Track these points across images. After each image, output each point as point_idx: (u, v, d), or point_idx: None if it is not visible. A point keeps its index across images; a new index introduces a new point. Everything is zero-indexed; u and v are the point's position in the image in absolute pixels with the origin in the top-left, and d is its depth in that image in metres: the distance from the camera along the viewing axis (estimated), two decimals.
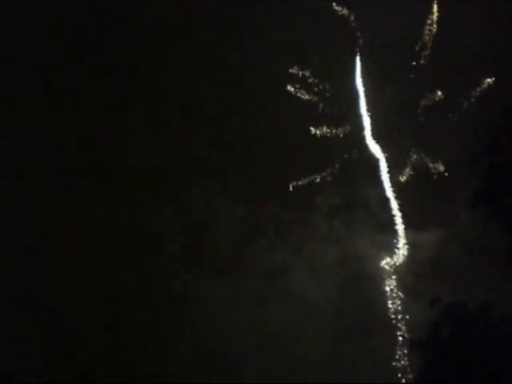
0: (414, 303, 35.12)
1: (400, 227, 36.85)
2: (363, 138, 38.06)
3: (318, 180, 37.22)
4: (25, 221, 34.53)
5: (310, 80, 37.58)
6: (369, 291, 35.75)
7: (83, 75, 36.46)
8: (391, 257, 36.50)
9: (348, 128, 37.86)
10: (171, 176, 36.20)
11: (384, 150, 37.94)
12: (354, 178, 37.44)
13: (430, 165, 37.15)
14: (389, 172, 37.68)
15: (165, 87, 37.06)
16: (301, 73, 37.48)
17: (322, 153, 37.18)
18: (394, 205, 37.25)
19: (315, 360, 33.51)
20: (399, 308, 35.49)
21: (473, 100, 37.13)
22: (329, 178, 37.29)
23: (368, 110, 38.04)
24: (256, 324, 34.30)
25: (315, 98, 37.63)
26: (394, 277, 36.15)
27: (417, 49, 37.52)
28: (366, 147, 38.01)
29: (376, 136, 38.02)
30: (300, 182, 37.00)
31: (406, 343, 34.60)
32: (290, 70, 37.35)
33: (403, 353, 34.62)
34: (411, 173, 37.48)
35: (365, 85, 38.13)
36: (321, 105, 37.56)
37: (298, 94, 37.56)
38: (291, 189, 36.88)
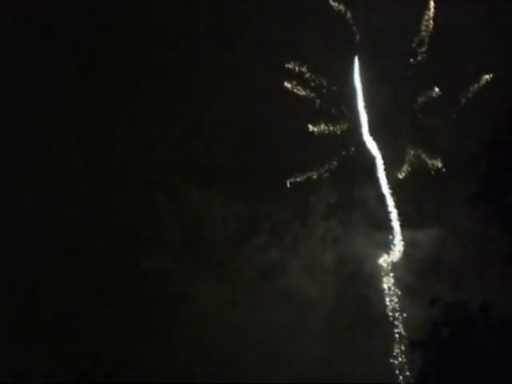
0: (411, 301, 35.13)
1: (396, 224, 36.80)
2: (360, 135, 37.93)
3: (314, 177, 37.11)
4: (22, 222, 34.40)
5: (307, 77, 37.43)
6: (366, 289, 35.73)
7: (80, 75, 36.44)
8: (388, 254, 36.43)
9: (345, 125, 37.72)
10: (168, 174, 36.03)
11: (382, 146, 37.85)
12: (351, 175, 37.33)
13: (428, 161, 37.06)
14: (386, 169, 37.59)
15: (160, 86, 36.92)
16: (297, 68, 37.32)
17: (319, 150, 37.05)
18: (392, 202, 37.17)
19: (312, 359, 33.44)
20: (397, 306, 35.44)
21: (470, 96, 37.02)
22: (326, 175, 37.19)
23: (365, 107, 37.91)
24: (253, 323, 34.25)
25: (312, 95, 37.48)
26: (391, 274, 36.12)
27: (414, 45, 37.36)
28: (363, 144, 37.89)
29: (373, 133, 37.90)
30: (297, 179, 36.91)
31: (404, 341, 34.60)
32: (287, 65, 37.19)
33: (401, 350, 34.61)
34: (409, 169, 37.39)
35: (362, 81, 38.00)
36: (318, 101, 37.42)
37: (295, 90, 37.41)
38: (288, 185, 36.83)
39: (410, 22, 37.04)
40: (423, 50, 37.28)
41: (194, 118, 36.91)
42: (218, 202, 36.43)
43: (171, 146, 36.47)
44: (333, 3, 37.53)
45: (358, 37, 37.55)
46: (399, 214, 36.85)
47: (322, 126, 37.21)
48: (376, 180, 37.50)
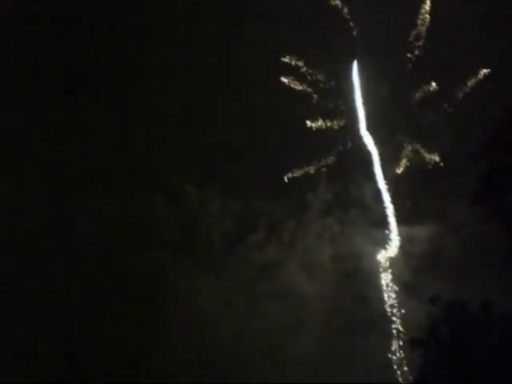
0: (410, 297, 35.11)
1: (393, 219, 36.79)
2: (358, 130, 37.83)
3: (312, 172, 37.04)
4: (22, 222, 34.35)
5: (304, 72, 37.28)
6: (363, 285, 35.72)
7: (80, 74, 36.32)
8: (386, 250, 36.41)
9: (343, 120, 37.61)
10: (163, 172, 35.92)
11: (379, 141, 37.75)
12: (348, 170, 37.26)
13: (426, 155, 37.00)
14: (384, 164, 37.54)
15: (159, 85, 36.77)
16: (294, 63, 37.17)
17: (316, 145, 36.93)
18: (389, 197, 37.13)
19: (311, 357, 33.43)
20: (395, 302, 35.44)
21: (468, 91, 36.93)
22: (323, 170, 37.11)
23: (363, 102, 37.80)
24: (250, 321, 34.21)
25: (309, 90, 37.36)
26: (389, 271, 36.12)
27: (411, 39, 37.22)
28: (360, 139, 37.79)
29: (371, 128, 37.80)
30: (295, 174, 36.83)
31: (402, 337, 34.68)
32: (283, 59, 37.02)
33: (399, 346, 34.64)
34: (407, 164, 37.32)
35: (359, 77, 37.87)
36: (315, 97, 37.29)
37: (292, 85, 37.26)
38: (286, 180, 36.78)
39: (406, 16, 36.88)
40: (420, 44, 37.16)
41: (190, 116, 36.80)
42: (216, 200, 36.39)
43: (167, 144, 36.43)
44: None
45: (355, 32, 37.41)
46: (397, 210, 36.83)
47: (320, 122, 37.10)
48: (374, 175, 37.45)
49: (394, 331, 34.93)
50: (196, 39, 36.86)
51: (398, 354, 34.56)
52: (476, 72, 36.79)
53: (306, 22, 35.79)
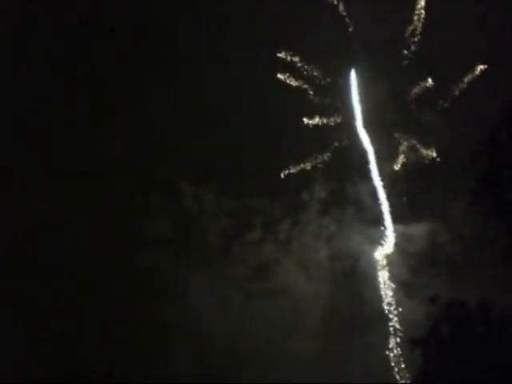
0: (407, 296, 35.12)
1: (389, 217, 36.74)
2: (354, 127, 37.73)
3: (308, 168, 36.94)
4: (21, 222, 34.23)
5: (300, 68, 37.17)
6: (360, 284, 35.68)
7: (78, 73, 36.39)
8: (383, 248, 36.36)
9: (339, 117, 37.50)
10: (159, 170, 35.80)
11: (376, 138, 37.66)
12: (345, 167, 37.19)
13: (423, 151, 36.93)
14: (381, 161, 37.46)
15: (158, 83, 36.73)
16: (290, 58, 37.03)
17: (312, 142, 36.85)
18: (385, 195, 37.08)
19: (307, 356, 33.38)
20: (392, 300, 35.41)
21: (464, 87, 36.86)
22: (320, 167, 37.02)
23: (359, 99, 37.69)
24: (246, 319, 34.16)
25: (305, 86, 37.24)
26: (386, 269, 36.07)
27: (407, 35, 37.12)
28: (357, 136, 37.69)
29: (367, 125, 37.68)
30: (291, 171, 36.73)
31: (400, 335, 34.68)
32: (279, 55, 36.92)
33: (396, 344, 34.63)
34: (404, 160, 37.23)
35: (356, 74, 37.74)
36: (311, 93, 37.19)
37: (288, 81, 37.11)
38: (282, 177, 36.70)
39: (402, 12, 36.78)
40: (415, 40, 37.07)
41: (187, 115, 36.68)
42: (212, 199, 36.31)
43: (162, 142, 36.30)
44: None
45: (351, 29, 37.28)
46: (393, 208, 36.77)
47: (316, 119, 36.99)
48: (370, 172, 37.38)
49: (392, 329, 34.93)
50: (195, 38, 36.77)
51: (395, 352, 34.54)
52: (473, 68, 36.75)
53: (302, 19, 35.68)
